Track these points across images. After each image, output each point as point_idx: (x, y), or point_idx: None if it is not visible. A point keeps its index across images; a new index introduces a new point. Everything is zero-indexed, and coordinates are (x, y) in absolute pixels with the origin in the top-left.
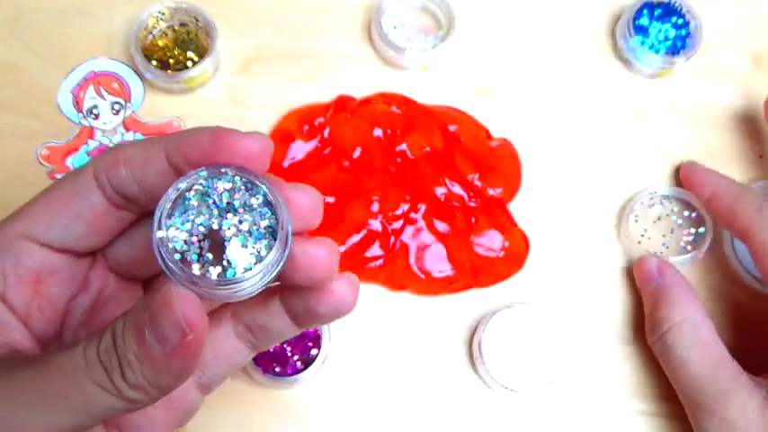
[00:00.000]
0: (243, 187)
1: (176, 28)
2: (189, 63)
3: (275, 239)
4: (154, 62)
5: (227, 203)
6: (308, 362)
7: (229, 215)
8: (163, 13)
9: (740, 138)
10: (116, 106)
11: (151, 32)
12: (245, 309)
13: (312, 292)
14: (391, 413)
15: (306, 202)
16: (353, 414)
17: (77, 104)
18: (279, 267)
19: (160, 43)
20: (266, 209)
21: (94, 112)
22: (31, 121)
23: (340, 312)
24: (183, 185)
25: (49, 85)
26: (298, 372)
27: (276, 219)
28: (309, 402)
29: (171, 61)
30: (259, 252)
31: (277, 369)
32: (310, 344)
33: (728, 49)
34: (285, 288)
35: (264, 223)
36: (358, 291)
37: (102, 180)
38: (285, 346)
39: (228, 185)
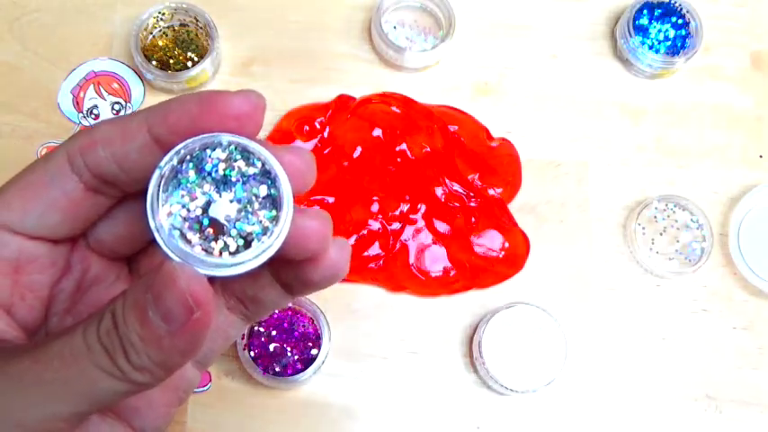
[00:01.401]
0: (239, 156)
1: (176, 28)
2: (189, 63)
3: (275, 209)
4: (154, 62)
5: (224, 174)
6: (307, 362)
7: (227, 187)
8: (163, 13)
9: (740, 138)
10: (116, 106)
11: (151, 32)
12: (235, 281)
13: (305, 262)
14: (391, 413)
15: (300, 163)
16: (353, 414)
17: (77, 104)
18: (283, 239)
19: (160, 43)
20: (264, 178)
21: (94, 112)
22: (31, 121)
23: (334, 279)
24: (175, 159)
25: (50, 86)
26: (298, 372)
27: (276, 188)
28: (309, 402)
29: (171, 61)
30: (261, 223)
31: (277, 369)
32: (310, 344)
33: (728, 49)
34: (275, 259)
35: (263, 193)
36: (350, 254)
37: (77, 164)
38: (285, 346)
39: (224, 155)
